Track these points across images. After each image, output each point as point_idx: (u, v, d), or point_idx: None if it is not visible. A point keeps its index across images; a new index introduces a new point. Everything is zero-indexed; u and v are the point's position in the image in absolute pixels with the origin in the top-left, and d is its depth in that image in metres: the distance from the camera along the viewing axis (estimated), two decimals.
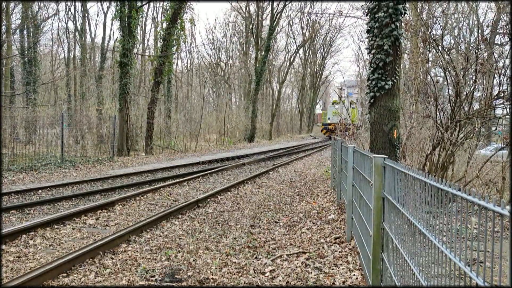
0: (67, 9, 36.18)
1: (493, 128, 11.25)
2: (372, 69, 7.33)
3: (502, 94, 7.90)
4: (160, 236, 6.59)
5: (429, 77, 10.37)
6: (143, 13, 34.93)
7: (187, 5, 24.62)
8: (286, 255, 5.56)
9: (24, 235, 6.25)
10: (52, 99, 34.36)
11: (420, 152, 8.97)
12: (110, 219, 7.61)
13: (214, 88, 53.77)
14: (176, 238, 6.47)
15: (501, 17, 11.72)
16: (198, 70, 52.72)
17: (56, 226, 6.87)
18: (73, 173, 13.92)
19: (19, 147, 16.11)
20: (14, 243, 5.94)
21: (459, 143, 8.16)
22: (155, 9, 40.27)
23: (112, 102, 30.76)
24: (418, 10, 11.62)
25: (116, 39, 23.39)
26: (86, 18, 36.82)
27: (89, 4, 36.68)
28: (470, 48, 11.80)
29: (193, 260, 5.35)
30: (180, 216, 7.99)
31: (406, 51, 13.86)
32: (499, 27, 12.04)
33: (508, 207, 1.41)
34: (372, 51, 7.35)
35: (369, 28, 7.41)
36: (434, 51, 9.53)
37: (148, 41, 43.42)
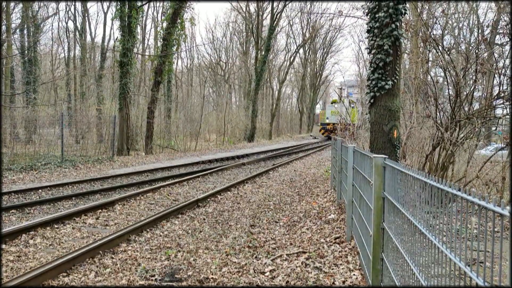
0: (67, 9, 36.21)
1: (493, 128, 11.25)
2: (372, 69, 7.33)
3: (502, 94, 7.91)
4: (160, 235, 6.60)
5: (429, 77, 10.37)
6: (143, 12, 34.96)
7: (187, 4, 24.61)
8: (286, 254, 5.56)
9: (24, 235, 6.25)
10: (52, 98, 34.35)
11: (420, 152, 8.98)
12: (110, 219, 7.61)
13: (214, 87, 53.76)
14: (176, 238, 6.47)
15: (501, 17, 11.73)
16: (198, 70, 52.72)
17: (56, 226, 6.87)
18: (73, 173, 13.92)
19: (19, 147, 16.11)
20: (14, 243, 5.95)
21: (459, 143, 8.16)
22: (155, 8, 40.27)
23: (112, 101, 30.76)
24: (418, 10, 11.62)
25: (116, 39, 23.40)
26: (86, 18, 36.84)
27: (89, 4, 36.70)
28: (470, 48, 11.80)
29: (193, 260, 5.36)
30: (180, 215, 7.99)
31: (406, 51, 13.86)
32: (499, 27, 12.04)
33: (508, 207, 1.41)
34: (372, 51, 7.35)
35: (369, 28, 7.41)
36: (434, 51, 9.53)
37: (148, 40, 43.44)
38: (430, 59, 11.30)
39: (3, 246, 5.75)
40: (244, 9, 45.64)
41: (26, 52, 28.29)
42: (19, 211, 8.04)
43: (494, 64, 8.38)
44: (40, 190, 10.26)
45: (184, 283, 4.55)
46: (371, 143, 7.49)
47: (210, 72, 51.09)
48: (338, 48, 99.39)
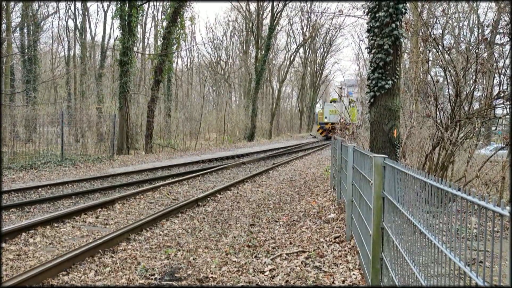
0: (67, 7, 36.13)
1: (493, 128, 11.26)
2: (372, 68, 7.33)
3: (502, 94, 7.91)
4: (160, 234, 6.60)
5: (429, 76, 10.37)
6: (143, 11, 34.96)
7: (188, 3, 24.60)
8: (286, 254, 5.56)
9: (24, 233, 6.25)
10: (52, 97, 34.36)
11: (420, 151, 8.98)
12: (110, 218, 7.61)
13: (214, 87, 53.77)
14: (176, 237, 6.48)
15: (502, 16, 11.73)
16: (198, 69, 52.71)
17: (56, 225, 6.87)
18: (73, 172, 13.92)
19: (19, 145, 16.10)
20: (14, 241, 5.95)
21: (459, 142, 8.16)
22: (156, 7, 40.27)
23: (112, 100, 30.75)
24: (419, 10, 11.62)
25: (116, 38, 23.34)
26: (86, 17, 36.85)
27: (89, 3, 36.66)
28: (471, 47, 11.80)
29: (193, 259, 5.36)
30: (180, 215, 8.00)
31: (406, 51, 13.86)
32: (499, 26, 12.04)
33: (508, 208, 1.41)
34: (373, 51, 7.35)
35: (369, 27, 7.41)
36: (435, 50, 9.53)
37: (148, 39, 43.45)
38: (430, 58, 11.31)
39: (3, 244, 5.75)
40: (244, 8, 45.66)
41: (26, 50, 28.29)
42: (19, 210, 8.04)
43: (494, 64, 8.39)
44: (40, 189, 10.26)
45: (183, 282, 4.56)
46: (371, 142, 7.49)
47: (210, 71, 51.10)
48: (338, 48, 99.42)
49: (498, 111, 9.01)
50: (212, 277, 4.70)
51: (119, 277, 4.69)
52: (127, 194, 9.26)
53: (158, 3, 38.17)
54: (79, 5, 35.62)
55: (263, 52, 39.58)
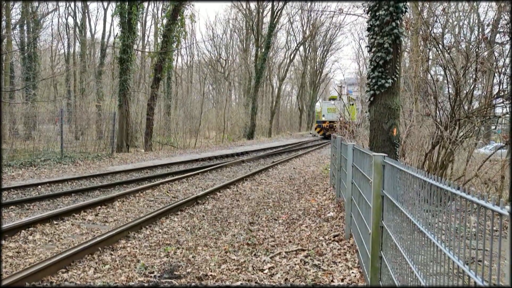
0: (67, 5, 36.07)
1: (493, 127, 11.26)
2: (372, 67, 7.33)
3: (502, 93, 7.91)
4: (159, 232, 6.60)
5: (429, 75, 10.36)
6: (143, 9, 34.89)
7: (188, 1, 24.57)
8: (285, 252, 5.57)
9: (23, 231, 6.26)
10: (51, 94, 34.34)
11: (419, 150, 8.98)
12: (109, 215, 7.62)
13: (214, 85, 53.72)
14: (175, 235, 6.48)
15: (502, 16, 11.72)
16: (198, 67, 52.69)
17: (55, 222, 6.88)
18: (72, 169, 13.92)
19: (18, 143, 16.11)
20: (13, 239, 5.95)
21: (459, 141, 8.16)
22: (156, 5, 40.16)
23: (112, 98, 30.74)
24: (419, 8, 11.62)
25: (116, 35, 23.37)
26: (86, 14, 36.81)
27: (89, 1, 36.59)
28: (471, 46, 11.80)
29: (192, 257, 5.36)
30: (179, 212, 8.00)
31: (407, 49, 13.85)
32: (499, 26, 12.03)
33: (507, 207, 1.41)
34: (373, 49, 7.35)
35: (369, 26, 7.41)
36: (435, 49, 9.53)
37: (148, 37, 43.37)
38: (430, 57, 11.30)
39: (3, 242, 5.75)
40: (245, 6, 45.60)
41: (25, 48, 28.25)
42: (19, 207, 8.04)
43: (494, 63, 8.38)
44: (39, 186, 10.26)
45: (183, 280, 4.56)
46: (371, 141, 7.50)
47: (210, 69, 51.07)
48: (338, 46, 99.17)
49: (498, 110, 9.02)
50: (211, 275, 4.71)
51: (118, 275, 4.70)
52: (126, 192, 9.27)
53: (158, 1, 38.12)
54: (79, 2, 35.57)
55: (263, 50, 39.56)
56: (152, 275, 4.73)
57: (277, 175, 13.75)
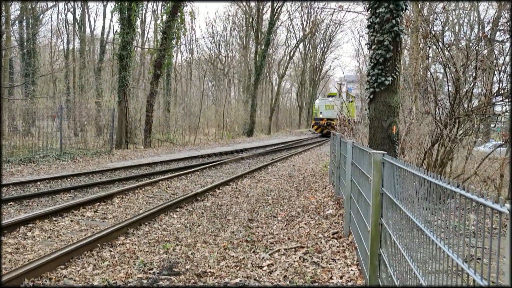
0: (67, 1, 35.93)
1: (492, 125, 11.26)
2: (372, 64, 7.32)
3: (502, 91, 7.91)
4: (158, 229, 6.61)
5: (429, 73, 10.36)
6: (143, 5, 34.79)
7: (186, 1, 24.53)
8: (284, 249, 5.58)
9: (22, 227, 6.26)
10: (51, 91, 34.27)
11: (418, 148, 8.98)
12: (108, 212, 7.62)
13: (213, 81, 53.67)
14: (174, 232, 6.49)
15: (502, 14, 11.70)
16: (197, 64, 52.64)
17: (54, 218, 6.88)
18: (71, 166, 13.91)
19: (17, 139, 16.09)
20: (12, 235, 5.95)
21: (458, 139, 8.16)
22: (155, 1, 40.04)
23: (111, 94, 30.69)
24: (419, 6, 11.60)
25: (116, 32, 23.31)
26: (86, 10, 36.68)
27: None
28: (471, 44, 11.78)
29: (191, 254, 5.37)
30: (178, 209, 8.00)
31: (406, 47, 13.84)
32: (499, 24, 12.02)
33: (507, 205, 1.41)
34: (373, 47, 7.34)
35: (369, 23, 7.40)
36: (434, 47, 9.52)
37: (147, 33, 43.33)
38: (430, 55, 11.29)
39: (2, 238, 5.75)
40: (244, 3, 45.48)
41: (25, 44, 28.18)
42: (18, 203, 8.04)
43: (494, 61, 8.37)
44: (38, 183, 10.26)
45: (182, 277, 4.56)
46: (370, 138, 7.50)
47: (209, 66, 51.01)
48: (338, 43, 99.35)
49: (497, 108, 9.02)
50: (210, 271, 4.71)
51: (117, 271, 4.70)
52: (125, 189, 9.27)
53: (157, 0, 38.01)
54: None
55: (263, 47, 39.49)
56: (151, 271, 4.73)
57: (276, 172, 13.75)
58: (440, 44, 8.74)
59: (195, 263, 5.01)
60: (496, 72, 8.17)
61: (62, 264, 4.79)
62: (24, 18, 29.13)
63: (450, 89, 8.47)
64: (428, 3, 12.21)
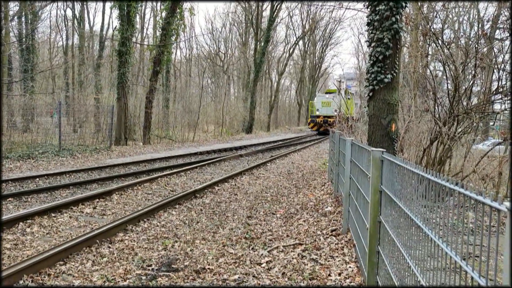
0: (66, 0, 35.82)
1: (491, 123, 11.27)
2: (371, 62, 7.32)
3: (501, 89, 7.91)
4: (157, 226, 6.61)
5: (428, 71, 10.35)
6: (143, 1, 34.68)
7: (185, 1, 24.49)
8: (283, 246, 5.58)
9: (21, 223, 6.26)
10: (50, 87, 34.21)
11: (417, 146, 8.99)
12: (107, 208, 7.62)
13: (212, 78, 53.63)
14: (173, 228, 6.49)
15: (502, 12, 11.69)
16: (197, 60, 52.56)
17: (53, 214, 6.88)
18: (70, 162, 13.91)
19: (16, 135, 16.07)
20: (11, 231, 5.95)
21: (457, 137, 8.17)
22: (154, 1, 39.92)
23: (110, 91, 30.65)
24: (419, 4, 11.57)
25: (115, 28, 23.27)
26: (85, 6, 36.56)
27: None
28: (470, 42, 11.78)
29: (190, 250, 5.38)
30: (177, 206, 8.01)
31: (406, 45, 13.82)
32: (499, 22, 12.02)
33: (505, 203, 1.41)
34: (372, 44, 7.33)
35: (369, 21, 7.39)
36: (434, 45, 9.51)
37: (147, 30, 43.26)
38: (430, 53, 11.28)
39: (1, 234, 5.75)
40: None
41: (24, 39, 28.09)
42: (16, 199, 8.04)
43: (494, 59, 8.37)
44: (37, 179, 10.25)
45: (180, 273, 4.57)
46: (369, 136, 7.50)
47: (209, 63, 50.94)
48: (338, 41, 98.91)
49: (497, 107, 9.01)
50: (209, 268, 4.72)
51: (116, 268, 4.71)
52: (124, 185, 9.27)
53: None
54: None
55: (262, 44, 39.42)
56: (150, 268, 4.74)
57: (275, 170, 13.76)
58: (440, 42, 8.73)
59: (193, 259, 5.02)
60: (495, 70, 8.16)
61: (61, 260, 4.79)
62: (23, 13, 29.02)
63: (449, 87, 8.47)
64: (428, 1, 12.19)
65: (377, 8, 7.14)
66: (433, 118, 8.43)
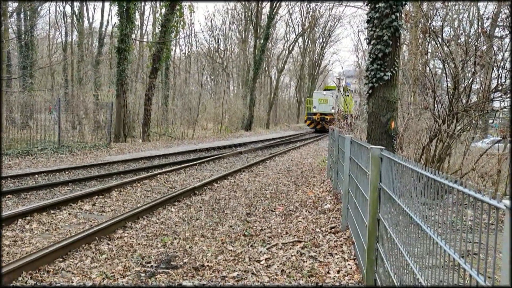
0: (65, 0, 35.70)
1: (490, 121, 11.28)
2: (371, 59, 7.31)
3: (500, 87, 7.91)
4: (157, 222, 6.62)
5: (427, 68, 10.35)
6: (141, 1, 34.59)
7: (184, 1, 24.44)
8: (282, 243, 5.59)
9: (20, 220, 6.26)
10: (49, 84, 34.14)
11: (417, 143, 9.00)
12: (106, 205, 7.62)
13: (212, 75, 53.53)
14: (172, 225, 6.50)
15: (502, 9, 11.69)
16: (196, 57, 52.44)
17: (52, 211, 6.88)
18: (69, 159, 13.90)
19: (15, 132, 16.05)
20: (10, 228, 5.95)
21: (456, 135, 8.18)
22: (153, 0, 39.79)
23: (110, 88, 30.60)
24: (419, 1, 11.55)
25: (114, 25, 23.24)
26: (84, 3, 36.44)
27: None
28: (470, 40, 11.78)
29: (189, 247, 5.38)
30: (176, 203, 8.01)
31: (406, 42, 13.81)
32: (499, 19, 12.01)
33: (504, 201, 1.42)
34: (372, 42, 7.33)
35: (369, 18, 7.38)
36: (434, 42, 9.50)
37: (146, 27, 43.05)
38: (429, 50, 11.27)
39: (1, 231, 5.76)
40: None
41: (22, 36, 28.02)
42: (15, 196, 8.03)
43: (493, 57, 8.37)
44: (36, 176, 10.25)
45: (179, 270, 4.58)
46: (369, 134, 7.50)
47: (208, 60, 50.84)
48: (338, 38, 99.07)
49: (496, 104, 9.02)
50: (207, 265, 4.73)
51: (115, 265, 4.71)
52: (124, 182, 9.27)
53: None
54: None
55: (262, 41, 39.36)
56: (149, 265, 4.74)
57: (274, 167, 13.76)
58: (439, 39, 8.73)
59: (192, 256, 5.02)
60: (494, 68, 8.17)
61: (60, 257, 4.79)
62: (22, 10, 28.94)
63: (448, 84, 8.47)
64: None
65: (376, 6, 7.13)
66: (432, 115, 8.44)
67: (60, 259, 4.76)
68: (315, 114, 37.04)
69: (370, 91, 7.40)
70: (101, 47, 35.86)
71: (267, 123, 48.29)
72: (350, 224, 5.74)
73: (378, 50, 7.16)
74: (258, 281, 4.32)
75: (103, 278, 4.32)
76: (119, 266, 4.65)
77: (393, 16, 7.00)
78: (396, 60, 7.25)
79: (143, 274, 4.46)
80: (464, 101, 8.29)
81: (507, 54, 8.20)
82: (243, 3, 45.78)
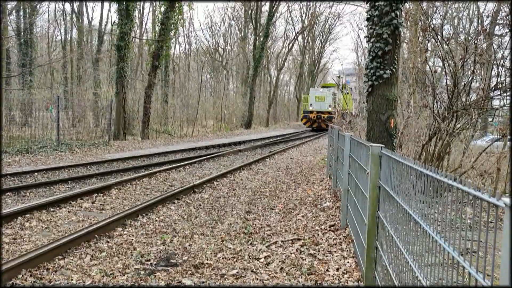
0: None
1: (490, 119, 11.28)
2: (370, 57, 7.31)
3: (500, 85, 7.91)
4: (156, 220, 6.62)
5: (427, 66, 10.34)
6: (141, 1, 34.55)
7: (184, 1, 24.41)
8: (281, 241, 5.60)
9: (20, 217, 6.26)
10: (48, 81, 34.13)
11: (416, 141, 9.00)
12: (106, 203, 7.62)
13: (211, 73, 53.49)
14: (172, 223, 6.50)
15: (502, 7, 11.68)
16: (196, 55, 52.39)
17: (52, 209, 6.88)
18: (69, 156, 13.89)
19: (15, 129, 16.03)
20: (10, 225, 5.95)
21: (456, 133, 8.18)
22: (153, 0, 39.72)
23: (109, 85, 30.59)
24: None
25: (114, 22, 23.20)
26: (84, 0, 36.39)
27: None
28: (470, 38, 11.77)
29: (189, 245, 5.38)
30: (176, 201, 8.01)
31: (405, 40, 13.80)
32: (499, 17, 12.00)
33: (503, 199, 1.42)
34: (371, 40, 7.32)
35: (368, 16, 7.37)
36: (433, 40, 9.49)
37: (146, 24, 43.00)
38: (429, 48, 11.27)
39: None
40: None
41: (22, 34, 27.98)
42: (15, 194, 8.03)
43: (493, 55, 8.37)
44: (36, 173, 10.24)
45: (179, 268, 4.58)
46: (368, 132, 7.50)
47: (208, 58, 50.79)
48: (337, 36, 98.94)
49: (495, 103, 9.03)
50: (207, 263, 4.73)
51: (115, 262, 4.71)
52: (123, 180, 9.27)
53: None
54: None
55: (262, 39, 39.33)
56: (149, 262, 4.75)
57: (274, 165, 13.76)
58: (439, 37, 8.72)
59: (192, 254, 5.03)
60: (494, 66, 8.17)
61: (59, 254, 4.80)
62: (21, 7, 28.89)
63: (448, 82, 8.47)
64: None
65: (376, 3, 7.12)
66: (432, 114, 8.44)
67: (60, 257, 4.76)
68: (311, 112, 35.56)
69: (369, 89, 7.39)
70: (100, 44, 35.83)
71: (267, 121, 48.28)
72: (349, 222, 5.75)
73: (378, 48, 7.15)
74: (257, 279, 4.33)
75: (103, 276, 4.32)
76: (119, 264, 4.65)
77: (393, 14, 6.99)
78: (396, 58, 7.25)
79: (142, 272, 4.46)
80: (463, 99, 8.30)
81: (507, 52, 8.20)
82: (243, 1, 45.71)
